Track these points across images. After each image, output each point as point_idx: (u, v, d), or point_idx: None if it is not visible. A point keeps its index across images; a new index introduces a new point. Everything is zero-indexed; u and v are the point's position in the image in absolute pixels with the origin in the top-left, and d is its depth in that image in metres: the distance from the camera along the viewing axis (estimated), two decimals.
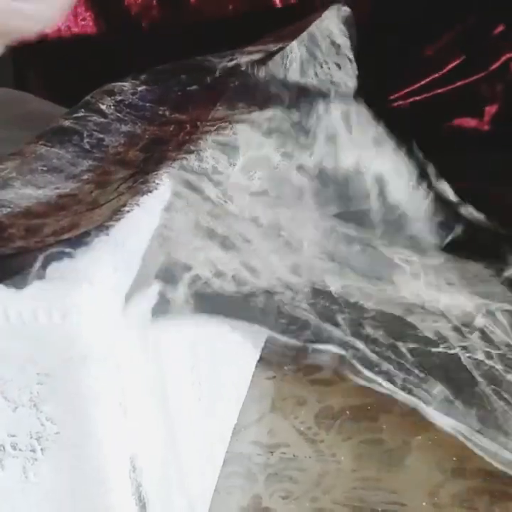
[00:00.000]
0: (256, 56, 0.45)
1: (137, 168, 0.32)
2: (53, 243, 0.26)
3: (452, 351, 0.36)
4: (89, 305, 0.25)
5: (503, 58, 0.66)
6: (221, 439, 0.39)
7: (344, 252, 0.36)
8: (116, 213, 0.28)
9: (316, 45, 0.52)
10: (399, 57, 0.66)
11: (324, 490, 0.37)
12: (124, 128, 0.37)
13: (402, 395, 0.33)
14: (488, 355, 0.36)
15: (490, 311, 0.38)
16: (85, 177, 0.32)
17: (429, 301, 0.37)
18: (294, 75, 0.46)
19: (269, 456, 0.39)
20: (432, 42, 0.67)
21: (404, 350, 0.34)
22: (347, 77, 0.56)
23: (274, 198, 0.35)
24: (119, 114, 0.38)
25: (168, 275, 0.29)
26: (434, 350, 0.35)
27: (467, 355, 0.36)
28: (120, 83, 0.41)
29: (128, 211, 0.28)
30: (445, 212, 0.42)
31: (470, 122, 0.67)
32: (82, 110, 0.38)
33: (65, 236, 0.27)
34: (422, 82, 0.67)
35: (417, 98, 0.67)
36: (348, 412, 0.42)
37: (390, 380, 0.32)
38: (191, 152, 0.33)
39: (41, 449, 0.26)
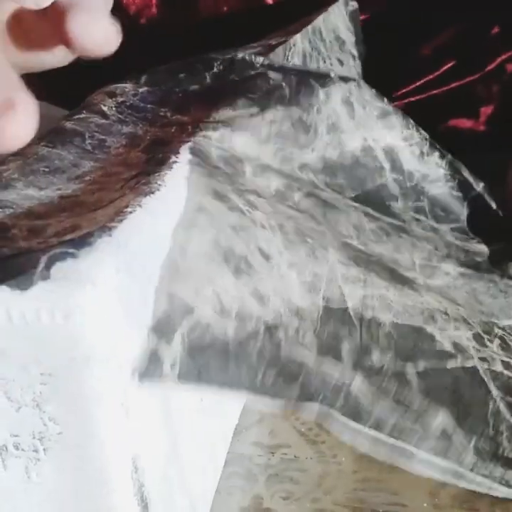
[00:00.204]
0: (258, 50, 0.45)
1: (139, 169, 0.32)
2: (56, 244, 0.26)
3: (470, 364, 0.35)
4: (92, 306, 0.25)
5: (499, 59, 0.66)
6: (223, 439, 0.39)
7: (366, 259, 0.35)
8: (119, 214, 0.28)
9: (321, 39, 0.52)
10: (394, 57, 0.67)
11: (325, 491, 0.37)
12: (125, 129, 0.37)
13: (385, 442, 0.32)
14: (507, 366, 0.36)
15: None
16: (87, 178, 0.32)
17: (451, 308, 0.36)
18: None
19: (270, 456, 0.40)
20: (427, 42, 0.67)
21: (411, 374, 0.33)
22: (349, 74, 0.56)
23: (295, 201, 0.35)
24: (120, 116, 0.38)
25: (166, 325, 0.28)
26: (448, 365, 0.34)
27: (485, 366, 0.35)
28: (121, 84, 0.41)
29: (130, 212, 0.28)
30: (461, 176, 0.41)
31: (466, 123, 0.67)
32: (84, 111, 0.38)
33: (68, 237, 0.27)
34: (418, 83, 0.67)
35: (413, 99, 0.67)
36: None
37: (378, 425, 0.31)
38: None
39: (44, 449, 0.27)
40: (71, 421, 0.26)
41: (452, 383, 0.34)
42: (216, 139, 0.34)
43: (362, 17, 0.65)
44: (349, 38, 0.58)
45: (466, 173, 0.42)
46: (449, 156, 0.40)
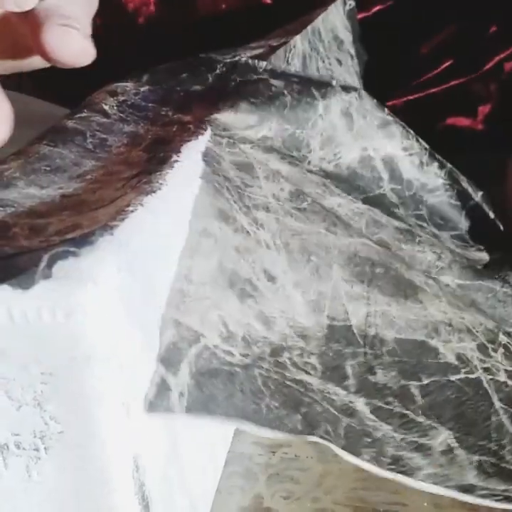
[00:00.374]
0: (258, 51, 0.45)
1: (140, 168, 0.32)
2: (57, 243, 0.26)
3: (474, 375, 0.35)
4: (93, 304, 0.25)
5: (497, 58, 0.66)
6: (223, 438, 0.39)
7: (370, 273, 0.35)
8: (120, 213, 0.28)
9: (320, 40, 0.52)
10: (393, 56, 0.67)
11: (326, 490, 0.37)
12: (127, 128, 0.37)
13: (381, 472, 0.32)
14: (510, 375, 0.36)
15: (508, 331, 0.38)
16: (89, 177, 0.32)
17: (455, 318, 0.36)
18: (295, 70, 0.46)
19: (270, 456, 0.40)
20: (425, 41, 0.67)
21: (415, 391, 0.33)
22: (347, 74, 0.56)
23: (303, 210, 0.35)
24: (121, 115, 0.38)
25: (173, 354, 0.28)
26: (452, 378, 0.34)
27: (489, 377, 0.35)
28: (123, 83, 0.41)
29: (132, 211, 0.28)
30: (460, 187, 0.41)
31: (464, 121, 0.67)
32: (85, 110, 0.38)
33: (69, 236, 0.27)
34: (416, 82, 0.67)
35: (411, 97, 0.67)
36: None
37: (377, 460, 0.31)
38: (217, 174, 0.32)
39: (45, 448, 0.27)
40: (72, 420, 0.26)
41: (455, 398, 0.34)
42: (226, 144, 0.35)
43: (362, 15, 0.65)
44: (347, 37, 0.58)
45: (464, 183, 0.42)
46: (449, 166, 0.40)
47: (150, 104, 0.39)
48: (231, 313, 0.30)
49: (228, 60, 0.42)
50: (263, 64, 0.38)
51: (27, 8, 0.31)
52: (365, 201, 0.38)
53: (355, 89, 0.38)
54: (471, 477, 0.32)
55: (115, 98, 0.39)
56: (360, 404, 0.31)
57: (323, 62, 0.51)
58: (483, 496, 0.32)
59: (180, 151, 0.33)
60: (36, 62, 0.35)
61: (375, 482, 0.38)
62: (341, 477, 0.38)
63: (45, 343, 0.25)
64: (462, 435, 0.33)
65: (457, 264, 0.39)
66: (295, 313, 0.32)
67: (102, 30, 0.69)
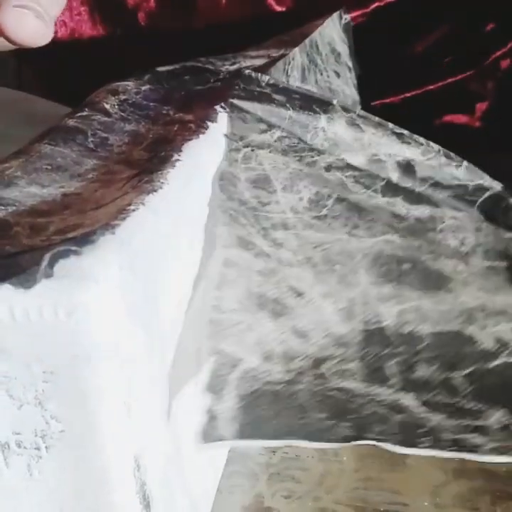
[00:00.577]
0: (258, 61, 0.45)
1: (142, 167, 0.32)
2: (59, 242, 0.26)
3: None
4: (94, 303, 0.25)
5: (494, 56, 0.67)
6: None
7: (397, 271, 0.36)
8: (122, 212, 0.28)
9: (318, 53, 0.53)
10: (391, 54, 0.67)
11: (327, 490, 0.37)
12: (128, 127, 0.37)
13: (446, 454, 0.33)
14: None
15: None
16: (90, 176, 0.32)
17: (488, 302, 0.37)
18: (295, 83, 0.46)
19: (271, 455, 0.40)
20: (422, 39, 0.67)
21: (459, 381, 0.34)
22: (345, 86, 0.57)
23: (323, 218, 0.35)
24: (123, 114, 0.38)
25: (218, 383, 0.29)
26: (493, 364, 0.35)
27: None
28: (124, 82, 0.41)
29: (133, 210, 0.28)
30: (478, 180, 0.41)
31: (461, 119, 0.68)
32: (86, 109, 0.38)
33: (71, 235, 0.27)
34: (414, 79, 0.67)
35: (408, 95, 0.67)
36: None
37: (437, 445, 0.32)
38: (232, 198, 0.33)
39: (46, 447, 0.26)
40: (73, 419, 0.26)
41: (502, 381, 0.34)
42: (242, 160, 0.35)
43: (359, 12, 0.65)
44: (344, 49, 0.58)
45: (483, 177, 0.42)
46: (465, 163, 0.40)
47: (151, 103, 0.39)
48: (266, 333, 0.31)
49: (230, 68, 0.42)
50: (266, 78, 0.38)
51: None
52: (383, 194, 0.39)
53: (354, 112, 0.38)
54: None
55: (116, 97, 0.39)
56: (408, 399, 0.32)
57: (322, 74, 0.52)
58: None
59: (181, 150, 0.33)
60: (5, 44, 0.36)
61: (376, 482, 0.38)
62: (342, 477, 0.38)
63: (47, 342, 0.25)
64: None
65: (481, 246, 0.39)
66: (328, 324, 0.33)
67: (103, 27, 0.70)
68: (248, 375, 0.29)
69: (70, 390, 0.26)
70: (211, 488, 0.36)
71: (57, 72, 0.74)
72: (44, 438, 0.26)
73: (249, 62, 0.44)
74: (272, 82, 0.38)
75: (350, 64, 0.59)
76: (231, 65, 0.44)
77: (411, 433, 0.32)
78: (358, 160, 0.37)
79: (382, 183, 0.37)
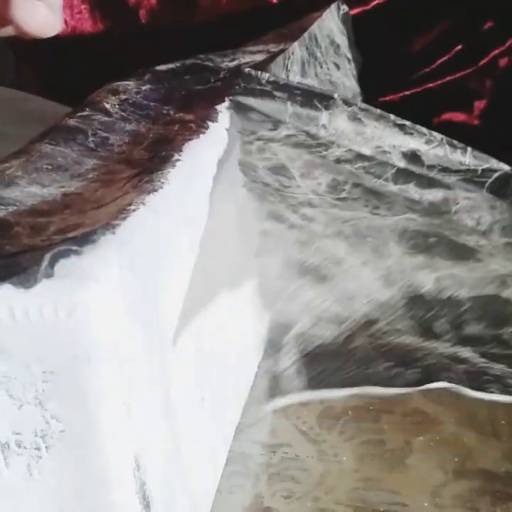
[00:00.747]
0: (258, 56, 0.45)
1: (142, 167, 0.32)
2: (59, 241, 0.26)
3: None
4: (95, 303, 0.25)
5: (492, 54, 0.67)
6: (223, 438, 0.39)
7: (425, 244, 0.37)
8: (122, 212, 0.28)
9: (317, 45, 0.53)
10: (390, 51, 0.67)
11: (326, 490, 0.37)
12: (128, 127, 0.37)
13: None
14: None
15: None
16: (90, 176, 0.32)
17: None
18: (295, 77, 0.46)
19: (271, 455, 0.40)
20: (421, 36, 0.68)
21: (510, 336, 0.36)
22: (345, 78, 0.57)
23: (344, 200, 0.37)
24: (123, 113, 0.38)
25: (276, 345, 0.30)
26: None
27: None
28: (124, 82, 0.41)
29: (134, 210, 0.28)
30: (485, 164, 0.41)
31: (459, 116, 0.68)
32: (87, 109, 0.38)
33: (71, 234, 0.27)
34: (413, 77, 0.68)
35: (408, 92, 0.68)
36: (350, 413, 0.42)
37: (504, 387, 0.33)
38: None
39: (46, 447, 0.26)
40: (73, 419, 0.26)
41: None
42: (256, 151, 0.36)
43: (358, 10, 0.65)
44: (343, 41, 0.58)
45: (489, 160, 0.42)
46: (469, 149, 0.40)
47: (152, 103, 0.39)
48: (311, 299, 0.33)
49: (230, 64, 0.42)
50: (266, 76, 0.38)
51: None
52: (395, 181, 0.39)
53: (356, 105, 0.38)
54: None
55: (117, 97, 0.39)
56: (467, 352, 0.34)
57: (321, 67, 0.52)
58: None
59: (181, 150, 0.33)
60: (5, 30, 0.38)
61: (376, 482, 0.38)
62: (342, 477, 0.38)
63: (47, 342, 0.25)
64: None
65: (498, 224, 0.40)
66: (370, 290, 0.35)
67: (103, 24, 0.70)
68: (302, 336, 0.32)
69: (70, 390, 0.26)
70: (211, 488, 0.36)
71: (56, 71, 0.74)
72: (44, 438, 0.26)
73: (248, 57, 0.44)
74: (272, 79, 0.38)
75: (349, 55, 0.59)
76: (230, 61, 0.44)
77: (477, 379, 0.34)
78: (363, 152, 0.38)
79: (393, 171, 0.38)
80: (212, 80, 0.41)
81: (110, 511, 0.27)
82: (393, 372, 0.32)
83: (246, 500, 0.37)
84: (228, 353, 0.39)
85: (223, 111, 0.37)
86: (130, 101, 0.39)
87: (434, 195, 0.38)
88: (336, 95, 0.38)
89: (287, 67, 0.46)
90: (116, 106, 0.38)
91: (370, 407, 0.42)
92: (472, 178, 0.39)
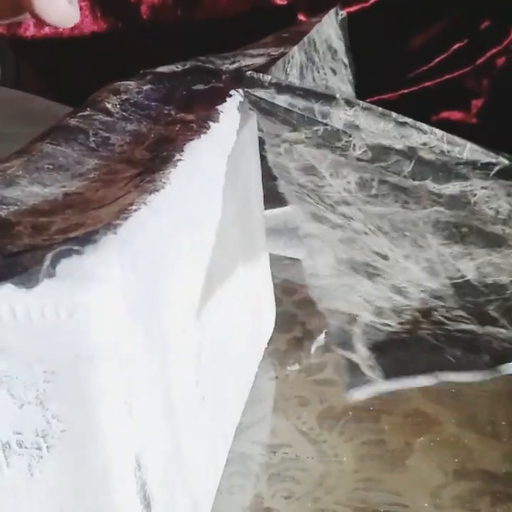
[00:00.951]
0: (258, 60, 0.45)
1: (144, 167, 0.32)
2: (61, 241, 0.26)
3: None
4: (96, 303, 0.25)
5: (489, 53, 0.67)
6: (224, 438, 0.39)
7: (458, 234, 0.38)
8: (124, 212, 0.28)
9: (315, 50, 0.53)
10: (388, 50, 0.67)
11: (326, 490, 0.37)
12: (129, 127, 0.37)
13: None
14: None
15: None
16: (91, 175, 0.32)
17: None
18: (294, 81, 0.47)
19: (271, 456, 0.40)
20: (421, 33, 0.68)
21: None
22: (341, 83, 0.57)
23: (374, 196, 0.38)
24: (124, 113, 0.38)
25: (344, 337, 0.32)
26: None
27: None
28: (125, 82, 0.41)
29: (135, 210, 0.28)
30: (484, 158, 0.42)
31: (457, 115, 0.68)
32: (88, 109, 0.38)
33: (73, 234, 0.27)
34: (410, 75, 0.68)
35: (406, 91, 0.68)
36: (350, 413, 0.42)
37: None
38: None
39: (47, 447, 0.26)
40: (74, 418, 0.26)
41: None
42: (284, 153, 0.37)
43: (355, 8, 0.66)
44: (340, 46, 0.59)
45: (488, 154, 0.42)
46: (468, 144, 0.41)
47: (153, 103, 0.39)
48: (369, 292, 0.34)
49: (230, 67, 0.43)
50: (268, 78, 0.38)
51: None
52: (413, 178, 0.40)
53: (358, 104, 0.39)
54: None
55: (118, 96, 0.39)
56: None
57: (319, 72, 0.52)
58: None
59: (183, 150, 0.33)
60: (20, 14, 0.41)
61: (376, 483, 0.38)
62: (342, 477, 0.38)
63: (48, 342, 0.25)
64: None
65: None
66: (419, 281, 0.35)
67: (104, 21, 0.70)
68: (369, 326, 0.32)
69: (71, 390, 0.26)
70: (212, 488, 0.36)
71: (57, 70, 0.74)
72: (45, 438, 0.26)
73: (249, 60, 0.44)
74: (274, 81, 0.38)
75: (346, 61, 0.59)
76: (231, 63, 0.44)
77: None
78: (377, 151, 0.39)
79: (409, 168, 0.38)
80: (213, 82, 0.41)
81: (111, 511, 0.27)
82: (463, 359, 0.33)
83: (246, 501, 0.37)
84: (229, 352, 0.39)
85: (229, 111, 0.37)
86: (131, 101, 0.39)
87: (452, 189, 0.39)
88: (337, 95, 0.38)
89: (287, 71, 0.47)
90: (118, 106, 0.38)
91: (371, 408, 0.42)
92: (474, 169, 0.39)
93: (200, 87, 0.41)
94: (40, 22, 0.39)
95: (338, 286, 0.33)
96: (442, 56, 0.68)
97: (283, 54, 0.47)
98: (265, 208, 0.46)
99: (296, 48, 0.49)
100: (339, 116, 0.38)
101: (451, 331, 0.34)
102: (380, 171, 0.38)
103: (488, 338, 0.34)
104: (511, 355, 0.34)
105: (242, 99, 0.38)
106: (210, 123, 0.36)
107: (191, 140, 0.34)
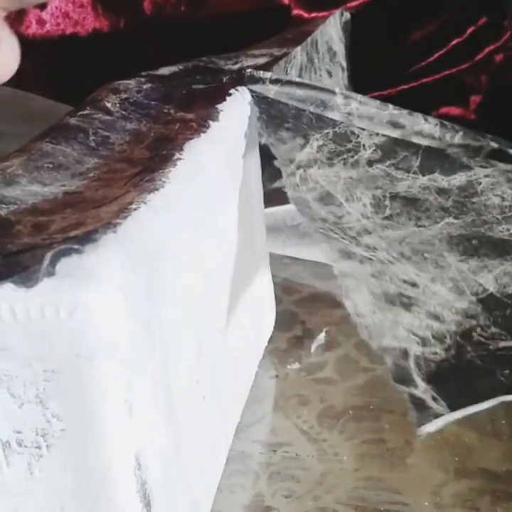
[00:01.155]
0: (261, 60, 0.45)
1: (143, 166, 0.32)
2: (60, 240, 0.26)
3: None
4: (96, 302, 0.25)
5: (487, 50, 0.68)
6: (224, 437, 0.39)
7: (471, 247, 0.39)
8: (123, 211, 0.28)
9: (316, 51, 0.53)
10: (388, 45, 0.68)
11: (327, 489, 0.37)
12: (129, 126, 0.37)
13: None
14: None
15: None
16: (91, 174, 0.32)
17: None
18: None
19: (271, 455, 0.40)
20: (419, 28, 0.68)
21: None
22: (336, 86, 0.57)
23: (390, 218, 0.39)
24: (124, 112, 0.38)
25: (403, 374, 0.33)
26: None
27: None
28: (125, 81, 0.41)
29: (135, 209, 0.28)
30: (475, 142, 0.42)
31: (456, 111, 0.69)
32: (88, 108, 0.38)
33: (72, 233, 0.27)
34: (410, 71, 0.68)
35: (405, 86, 0.68)
36: (350, 412, 0.42)
37: None
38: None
39: (47, 446, 0.26)
40: (74, 418, 0.26)
41: None
42: (301, 182, 0.37)
43: (354, 3, 0.66)
44: (341, 49, 0.59)
45: (478, 139, 0.43)
46: (461, 132, 0.41)
47: (152, 102, 0.39)
48: (410, 322, 0.35)
49: (233, 67, 0.43)
50: (268, 74, 0.39)
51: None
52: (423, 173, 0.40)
53: (356, 97, 0.39)
54: None
55: (118, 95, 0.39)
56: None
57: (315, 73, 0.53)
58: None
59: (182, 149, 0.33)
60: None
61: (376, 481, 0.38)
62: (342, 476, 0.38)
63: (48, 341, 0.25)
64: None
65: None
66: (450, 302, 0.36)
67: (106, 18, 0.69)
68: (420, 358, 0.33)
69: (71, 389, 0.26)
70: (212, 487, 0.36)
71: (58, 67, 0.74)
72: (45, 437, 0.26)
73: (251, 61, 0.45)
74: (274, 77, 0.38)
75: (344, 64, 0.59)
76: (234, 64, 0.44)
77: None
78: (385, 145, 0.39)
79: (417, 163, 0.38)
80: (214, 82, 0.41)
81: (111, 510, 0.27)
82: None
83: (246, 500, 0.37)
84: (229, 351, 0.39)
85: (229, 110, 0.38)
86: (131, 100, 0.39)
87: (459, 180, 0.40)
88: (337, 89, 0.38)
89: (287, 70, 0.47)
90: (117, 105, 0.38)
91: (371, 407, 0.42)
92: (466, 152, 0.40)
93: (200, 86, 0.41)
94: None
95: (382, 321, 0.34)
96: (441, 51, 0.68)
97: (286, 54, 0.47)
98: (265, 207, 0.46)
99: (299, 48, 0.49)
100: (339, 109, 0.38)
101: (494, 351, 0.35)
102: (390, 175, 0.38)
103: None
104: None
105: (243, 100, 0.39)
106: (210, 122, 0.36)
107: (191, 139, 0.34)
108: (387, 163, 0.38)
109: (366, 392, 0.42)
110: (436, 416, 0.31)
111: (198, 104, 0.38)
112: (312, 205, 0.37)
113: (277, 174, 0.40)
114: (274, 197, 0.46)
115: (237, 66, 0.43)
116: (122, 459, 0.27)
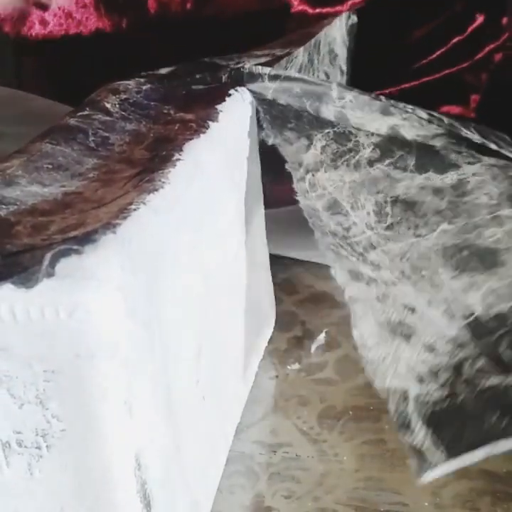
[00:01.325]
0: (262, 60, 0.45)
1: (143, 166, 0.32)
2: (60, 240, 0.26)
3: None
4: (96, 302, 0.25)
5: (487, 48, 0.68)
6: (224, 437, 0.39)
7: (462, 260, 0.39)
8: (123, 211, 0.28)
9: (317, 52, 0.53)
10: (389, 44, 0.68)
11: (327, 490, 0.37)
12: (129, 126, 0.37)
13: None
14: None
15: None
16: (91, 175, 0.32)
17: None
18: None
19: (271, 455, 0.40)
20: (420, 26, 0.68)
21: None
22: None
23: (391, 227, 0.39)
24: (123, 113, 0.38)
25: (402, 420, 0.33)
26: None
27: None
28: (125, 82, 0.41)
29: (134, 209, 0.28)
30: (460, 133, 0.43)
31: (456, 109, 0.69)
32: (87, 109, 0.38)
33: (72, 234, 0.27)
34: (410, 70, 0.68)
35: (406, 85, 0.68)
36: (350, 412, 0.42)
37: None
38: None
39: (47, 446, 0.26)
40: (74, 418, 0.26)
41: None
42: (310, 189, 0.38)
43: (357, 1, 0.66)
44: (343, 52, 0.59)
45: (464, 131, 0.43)
46: (447, 121, 0.42)
47: (152, 103, 0.39)
48: (408, 357, 0.35)
49: (233, 66, 0.43)
50: (267, 70, 0.39)
51: None
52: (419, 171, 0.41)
53: (351, 90, 0.39)
54: None
55: (117, 96, 0.39)
56: None
57: (313, 74, 0.53)
58: None
59: (182, 150, 0.33)
60: None
61: (376, 482, 0.38)
62: (342, 477, 0.38)
63: (48, 341, 0.25)
64: None
65: (504, 195, 0.41)
66: (442, 329, 0.36)
67: (109, 17, 0.69)
68: (418, 402, 0.33)
69: (71, 389, 0.26)
70: (212, 487, 0.36)
71: (60, 67, 0.74)
72: (45, 437, 0.26)
73: (253, 61, 0.45)
74: (273, 73, 0.39)
75: (344, 67, 0.59)
76: (236, 64, 0.44)
77: None
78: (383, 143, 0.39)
79: (413, 162, 0.39)
80: (214, 82, 0.41)
81: (111, 510, 0.27)
82: (506, 422, 0.33)
83: (246, 500, 0.37)
84: (229, 352, 0.39)
85: (229, 111, 0.38)
86: (130, 100, 0.39)
87: (451, 178, 0.41)
88: (333, 84, 0.39)
89: (286, 69, 0.47)
90: (117, 105, 0.38)
91: (371, 407, 0.42)
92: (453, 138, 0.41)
93: (199, 86, 0.41)
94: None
95: (385, 356, 0.34)
96: (443, 49, 0.68)
97: (288, 54, 0.47)
98: (265, 208, 0.46)
99: (301, 48, 0.49)
100: (334, 102, 0.39)
101: (484, 391, 0.34)
102: (389, 176, 0.38)
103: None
104: None
105: (243, 100, 0.39)
106: (210, 122, 0.36)
107: (190, 139, 0.34)
108: (386, 162, 0.39)
109: (366, 393, 0.42)
110: (435, 465, 0.31)
111: (198, 104, 0.38)
112: (322, 216, 0.38)
113: (279, 175, 0.40)
114: (274, 197, 0.46)
115: (238, 66, 0.43)
116: (122, 459, 0.27)
